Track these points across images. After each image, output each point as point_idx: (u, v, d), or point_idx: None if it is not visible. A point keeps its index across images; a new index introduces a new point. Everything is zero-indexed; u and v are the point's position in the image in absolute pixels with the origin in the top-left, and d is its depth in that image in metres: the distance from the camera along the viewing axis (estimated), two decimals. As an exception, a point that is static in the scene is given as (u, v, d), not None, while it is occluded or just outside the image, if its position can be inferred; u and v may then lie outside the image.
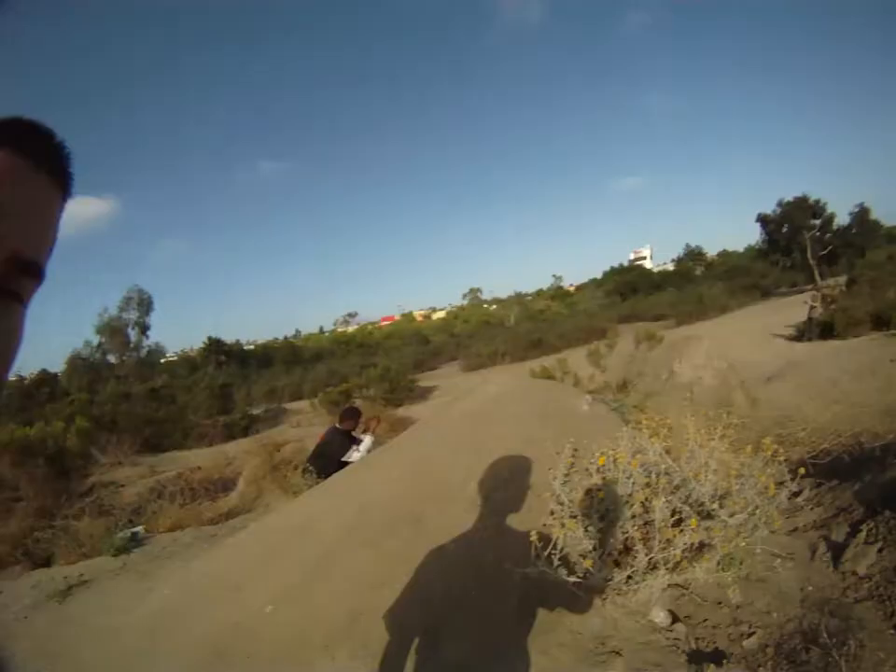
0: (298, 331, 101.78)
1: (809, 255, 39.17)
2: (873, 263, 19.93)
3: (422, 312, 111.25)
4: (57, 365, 39.76)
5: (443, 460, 4.60)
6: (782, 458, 3.37)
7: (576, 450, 3.46)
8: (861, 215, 39.57)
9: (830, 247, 39.59)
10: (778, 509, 3.26)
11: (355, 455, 6.66)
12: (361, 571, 3.71)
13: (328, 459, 6.73)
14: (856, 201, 43.30)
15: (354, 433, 7.04)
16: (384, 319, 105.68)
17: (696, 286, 49.19)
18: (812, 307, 17.91)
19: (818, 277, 38.01)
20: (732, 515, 3.17)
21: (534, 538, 2.77)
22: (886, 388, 8.31)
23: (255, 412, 23.32)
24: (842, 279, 21.51)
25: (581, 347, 26.93)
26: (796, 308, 20.68)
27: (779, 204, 41.59)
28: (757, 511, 3.17)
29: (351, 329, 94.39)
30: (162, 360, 50.46)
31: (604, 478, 3.26)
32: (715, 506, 3.22)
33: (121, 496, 10.81)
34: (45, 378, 32.67)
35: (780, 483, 3.27)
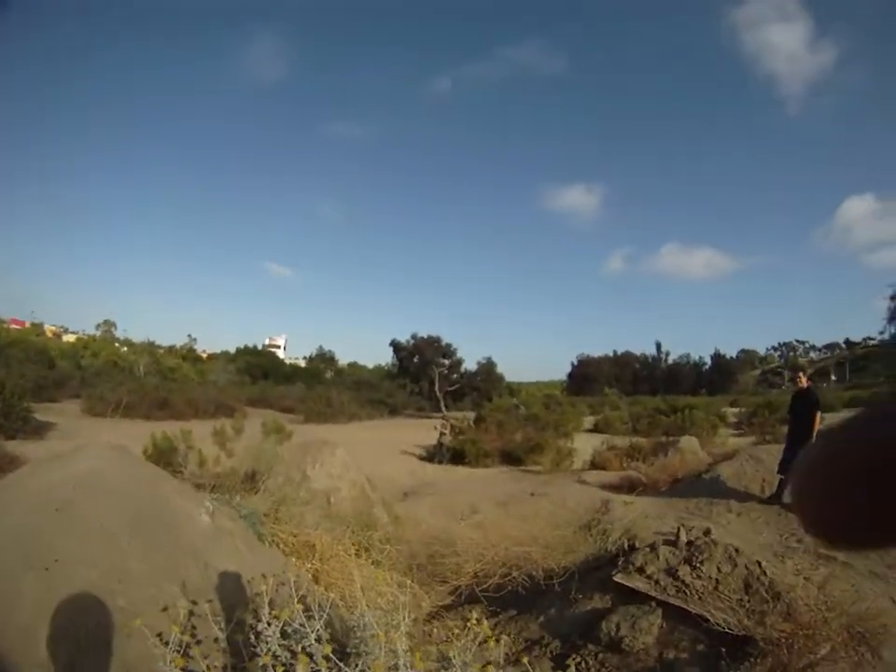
0: None
1: (437, 387, 43.58)
2: (499, 407, 22.16)
3: (53, 328, 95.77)
4: None
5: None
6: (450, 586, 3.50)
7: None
8: (488, 366, 45.98)
9: (457, 385, 44.99)
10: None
11: None
12: None
13: None
14: (484, 354, 51.21)
15: None
16: (13, 321, 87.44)
17: (327, 387, 50.45)
18: (443, 433, 18.90)
19: (443, 408, 42.19)
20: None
21: None
22: (529, 518, 8.12)
23: None
24: (470, 414, 23.51)
25: (209, 420, 24.78)
26: (422, 431, 21.81)
27: (413, 337, 46.19)
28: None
29: None
30: None
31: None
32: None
33: None
34: None
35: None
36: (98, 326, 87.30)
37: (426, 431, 21.55)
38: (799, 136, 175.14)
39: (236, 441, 13.57)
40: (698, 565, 4.29)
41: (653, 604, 4.04)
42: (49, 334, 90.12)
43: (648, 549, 4.53)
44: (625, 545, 4.93)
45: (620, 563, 4.54)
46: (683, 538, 4.64)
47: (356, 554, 5.09)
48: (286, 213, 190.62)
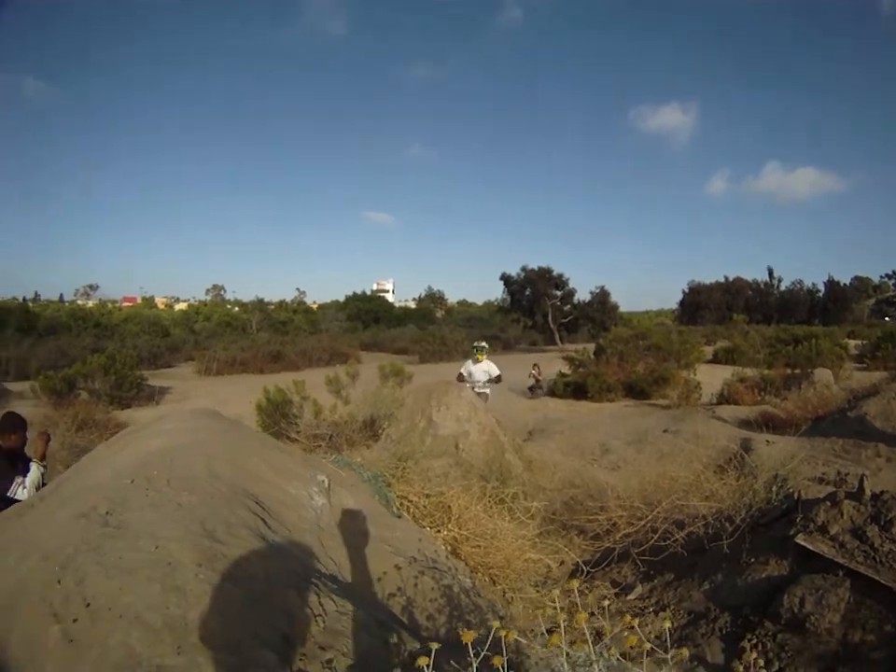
0: (37, 295, 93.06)
1: (550, 319, 42.75)
2: (619, 338, 21.24)
3: (164, 299, 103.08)
4: None
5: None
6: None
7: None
8: (602, 296, 44.24)
9: (571, 317, 43.94)
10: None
11: (20, 491, 4.66)
12: None
13: None
14: (596, 283, 49.44)
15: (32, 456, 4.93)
16: (125, 299, 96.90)
17: (438, 327, 50.84)
18: (537, 379, 18.96)
19: (558, 340, 41.75)
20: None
21: None
22: (667, 457, 7.68)
23: None
24: (588, 346, 22.93)
25: (323, 368, 25.70)
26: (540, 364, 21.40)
27: (523, 269, 45.21)
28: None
29: (91, 303, 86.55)
30: None
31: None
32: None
33: None
34: None
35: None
36: (208, 291, 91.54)
37: (542, 365, 21.26)
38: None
39: (352, 388, 13.77)
40: (887, 525, 3.72)
41: (840, 573, 3.49)
42: (161, 306, 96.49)
43: (828, 503, 3.95)
44: (795, 497, 4.39)
45: (798, 520, 3.97)
46: (867, 490, 4.05)
47: (487, 500, 4.89)
48: (377, 159, 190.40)
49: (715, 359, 25.04)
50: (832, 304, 61.38)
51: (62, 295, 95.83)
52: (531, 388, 18.75)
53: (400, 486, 4.55)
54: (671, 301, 77.29)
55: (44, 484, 4.82)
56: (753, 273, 73.49)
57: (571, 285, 44.77)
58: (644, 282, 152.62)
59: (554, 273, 44.46)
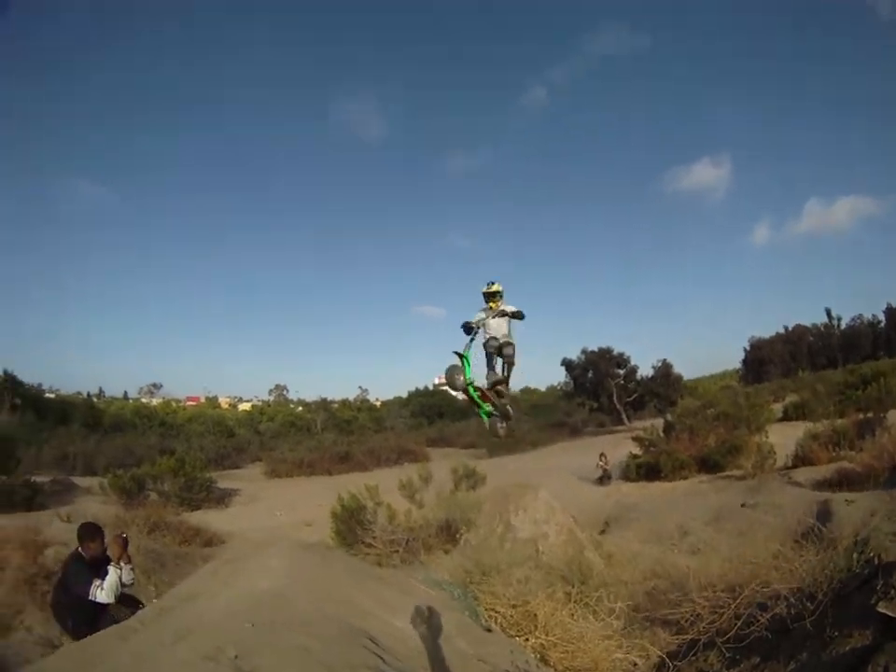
0: (102, 391, 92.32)
1: (616, 400, 42.34)
2: (687, 411, 21.02)
3: (227, 399, 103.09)
4: None
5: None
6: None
7: None
8: (665, 368, 43.87)
9: (636, 394, 43.39)
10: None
11: (98, 593, 5.02)
12: None
13: (71, 601, 5.18)
14: (657, 357, 49.33)
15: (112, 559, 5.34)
16: (189, 399, 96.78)
17: (504, 417, 50.62)
18: (605, 468, 19.26)
19: (625, 420, 41.22)
20: None
21: None
22: (746, 534, 7.61)
23: (40, 479, 19.95)
24: (657, 422, 22.81)
25: (391, 468, 25.81)
26: (607, 448, 21.40)
27: (584, 352, 45.31)
28: None
29: (155, 401, 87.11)
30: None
31: None
32: None
33: None
34: None
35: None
36: (271, 391, 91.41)
37: (611, 448, 21.14)
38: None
39: (425, 491, 13.98)
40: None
41: (923, 639, 3.54)
42: (225, 406, 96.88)
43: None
44: (876, 561, 4.43)
45: (879, 587, 3.96)
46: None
47: (572, 604, 5.04)
48: (422, 253, 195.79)
49: (786, 416, 24.37)
50: (894, 333, 59.03)
51: (126, 392, 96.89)
52: (600, 479, 18.92)
53: (487, 599, 4.79)
54: (734, 359, 75.40)
55: (124, 585, 5.32)
56: (812, 316, 71.68)
57: (632, 361, 44.62)
58: (703, 344, 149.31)
59: (615, 353, 44.47)
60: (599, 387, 43.78)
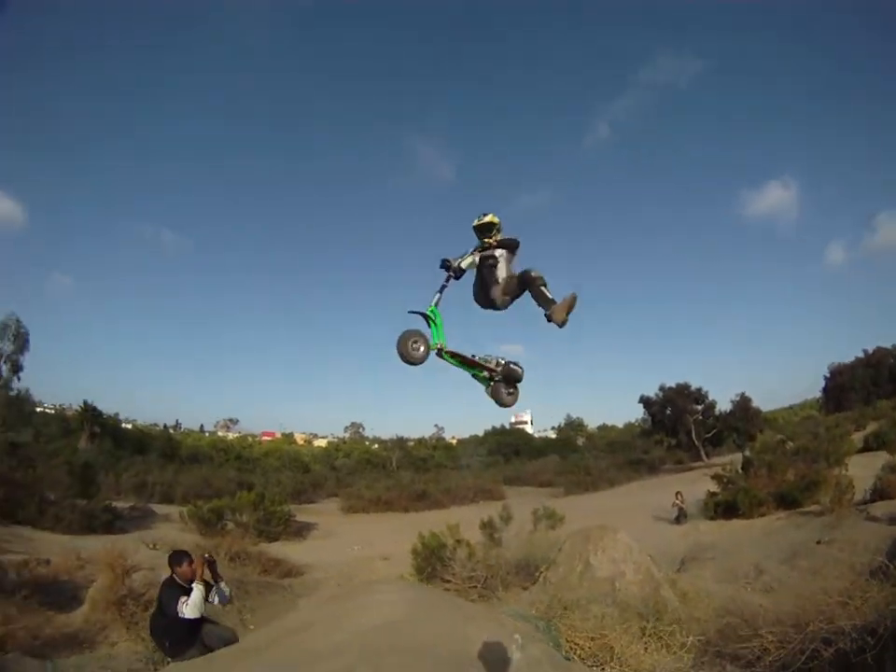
0: (178, 423, 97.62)
1: (694, 436, 41.87)
2: (766, 446, 20.94)
3: (303, 435, 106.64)
4: None
5: None
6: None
7: None
8: (743, 402, 42.99)
9: (714, 430, 42.74)
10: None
11: (183, 608, 5.61)
12: None
13: (167, 623, 5.76)
14: (735, 390, 48.19)
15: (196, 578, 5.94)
16: (265, 434, 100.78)
17: (580, 455, 50.50)
18: (680, 507, 19.66)
19: (704, 456, 40.60)
20: None
21: None
22: (820, 572, 7.83)
23: (120, 505, 21.33)
24: (735, 458, 22.73)
25: (468, 506, 26.13)
26: (686, 485, 21.45)
27: (661, 389, 45.18)
28: None
29: (231, 435, 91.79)
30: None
31: None
32: None
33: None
34: None
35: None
36: (346, 428, 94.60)
37: (689, 485, 21.14)
38: None
39: (504, 530, 14.53)
40: None
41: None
42: (301, 442, 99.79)
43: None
44: None
45: None
46: None
47: (646, 638, 5.64)
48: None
49: (866, 446, 23.77)
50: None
51: (202, 425, 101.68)
52: (677, 518, 19.18)
53: (567, 632, 5.48)
54: (814, 387, 72.30)
55: (209, 602, 6.01)
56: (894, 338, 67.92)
57: (710, 396, 44.13)
58: (782, 373, 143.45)
59: (693, 388, 44.19)
60: (677, 424, 43.50)
